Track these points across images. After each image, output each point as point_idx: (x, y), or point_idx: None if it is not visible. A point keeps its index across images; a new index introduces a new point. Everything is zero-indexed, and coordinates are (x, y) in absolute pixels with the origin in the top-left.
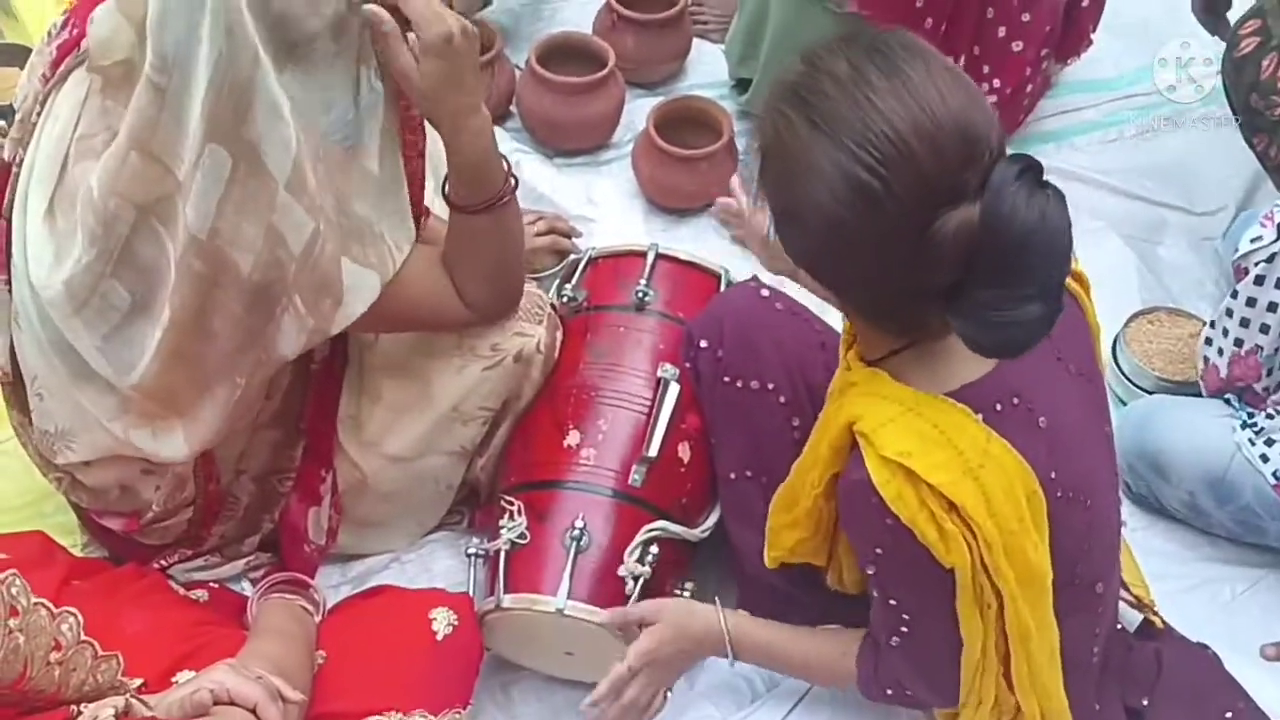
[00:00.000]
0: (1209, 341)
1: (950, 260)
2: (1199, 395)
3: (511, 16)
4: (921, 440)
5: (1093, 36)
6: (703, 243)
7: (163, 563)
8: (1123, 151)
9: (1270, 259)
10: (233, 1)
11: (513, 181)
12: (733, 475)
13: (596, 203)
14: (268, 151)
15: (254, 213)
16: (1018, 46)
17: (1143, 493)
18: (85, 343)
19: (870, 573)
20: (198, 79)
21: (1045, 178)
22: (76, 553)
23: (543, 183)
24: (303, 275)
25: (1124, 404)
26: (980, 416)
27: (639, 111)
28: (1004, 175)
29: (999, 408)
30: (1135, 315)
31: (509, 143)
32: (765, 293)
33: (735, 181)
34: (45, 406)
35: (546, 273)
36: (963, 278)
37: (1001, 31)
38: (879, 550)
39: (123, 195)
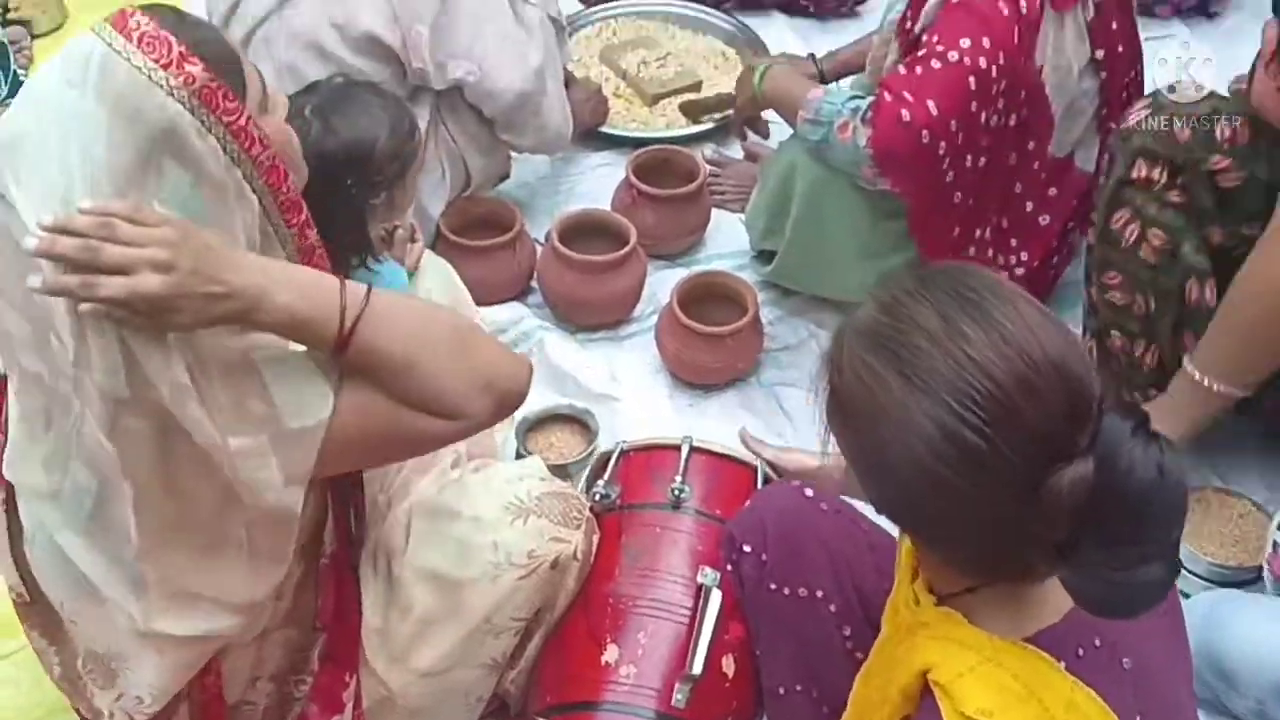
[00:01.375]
0: None
1: (1063, 519)
2: (1257, 578)
3: (529, 190)
4: (1003, 694)
5: None
6: (729, 418)
7: None
8: None
9: None
10: None
11: (354, 297)
12: (781, 690)
13: (619, 380)
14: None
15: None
16: (1044, 220)
17: (1208, 698)
18: (69, 539)
19: None
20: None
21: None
22: None
23: (565, 360)
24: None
25: (1186, 596)
26: (1063, 664)
27: (660, 284)
28: (1118, 430)
29: (1081, 653)
30: None
31: (531, 319)
32: (809, 492)
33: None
34: (82, 630)
35: (574, 459)
36: (1075, 534)
37: (1029, 206)
38: None
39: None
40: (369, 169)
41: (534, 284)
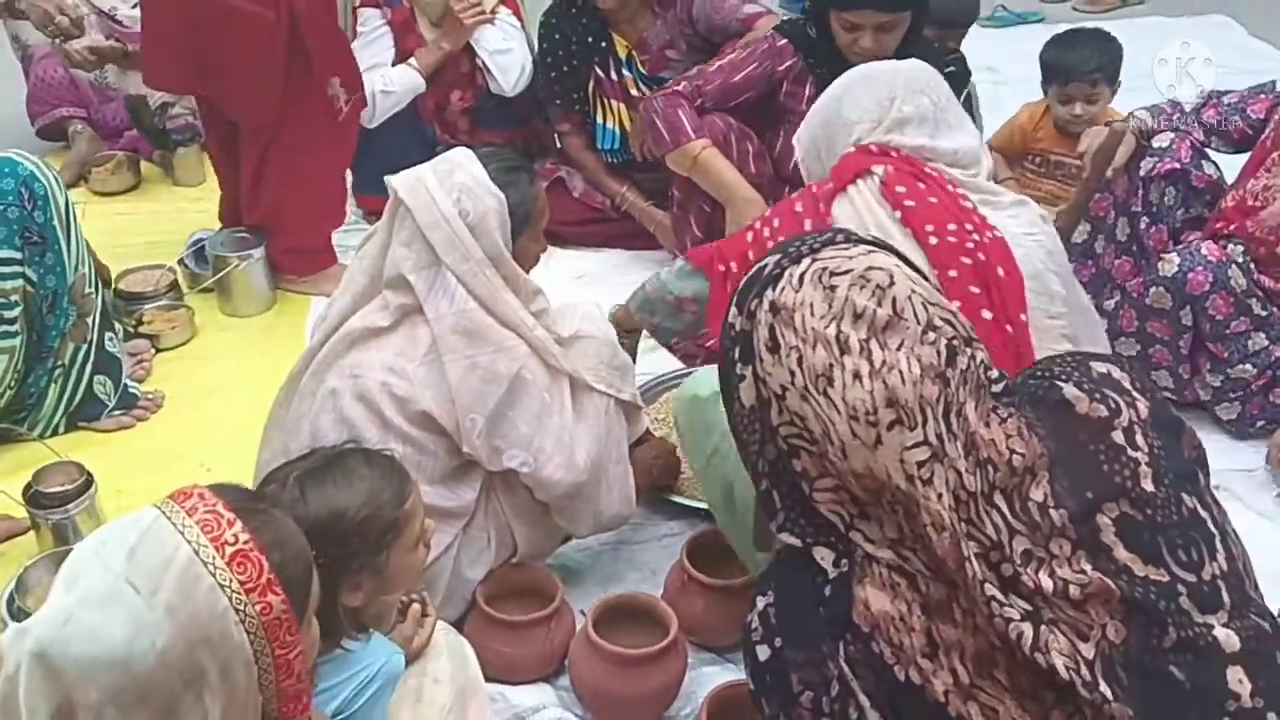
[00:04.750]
0: None
1: None
2: None
3: (588, 555)
4: None
5: None
6: None
7: None
8: None
9: None
10: None
11: None
12: None
13: None
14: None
15: None
16: None
17: None
18: None
19: None
20: None
21: None
22: None
23: None
24: None
25: None
26: None
27: (702, 681)
28: None
29: None
30: None
31: (553, 710)
32: None
33: None
34: None
35: None
36: None
37: None
38: None
39: None
40: (335, 543)
41: (566, 665)
